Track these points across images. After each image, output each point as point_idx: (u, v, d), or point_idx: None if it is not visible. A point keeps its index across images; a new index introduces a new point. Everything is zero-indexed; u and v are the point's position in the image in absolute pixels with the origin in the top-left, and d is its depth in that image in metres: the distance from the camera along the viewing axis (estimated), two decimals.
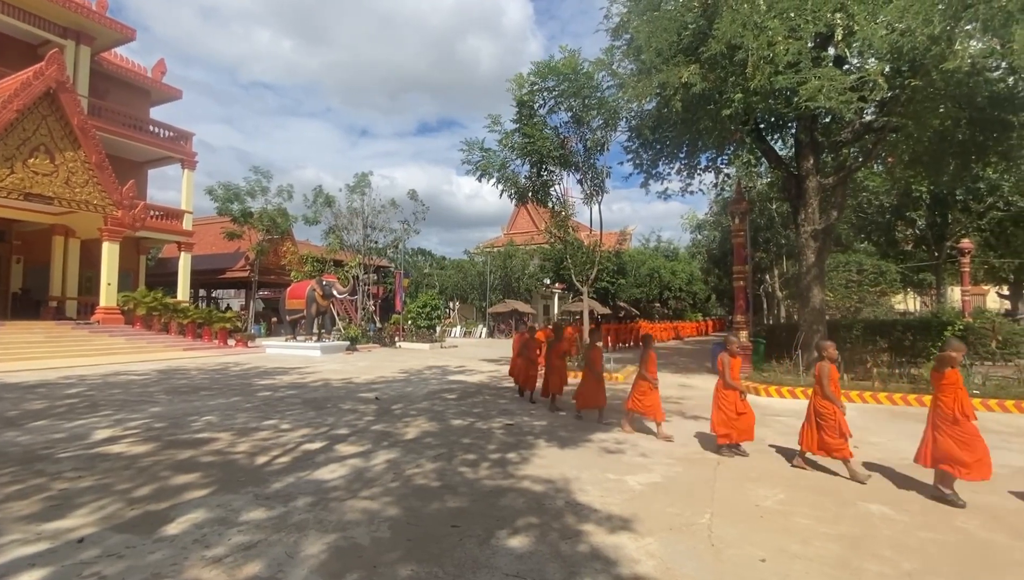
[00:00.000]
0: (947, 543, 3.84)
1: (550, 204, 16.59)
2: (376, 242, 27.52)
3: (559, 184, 16.35)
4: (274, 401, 9.30)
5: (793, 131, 13.54)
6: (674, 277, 38.31)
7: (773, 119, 13.52)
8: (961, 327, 13.86)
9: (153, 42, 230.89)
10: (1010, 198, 21.09)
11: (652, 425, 7.22)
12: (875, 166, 16.43)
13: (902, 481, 5.25)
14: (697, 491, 4.84)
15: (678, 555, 3.54)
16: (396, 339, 25.71)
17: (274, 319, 29.23)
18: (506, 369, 15.25)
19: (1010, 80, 10.49)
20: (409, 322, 26.84)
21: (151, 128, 24.37)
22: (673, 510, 4.35)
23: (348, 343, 21.30)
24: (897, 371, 11.55)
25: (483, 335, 34.47)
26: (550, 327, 12.48)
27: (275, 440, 6.46)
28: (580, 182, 16.37)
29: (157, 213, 24.28)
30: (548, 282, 35.97)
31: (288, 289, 23.26)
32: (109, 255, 19.78)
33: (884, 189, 21.48)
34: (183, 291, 24.60)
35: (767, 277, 29.45)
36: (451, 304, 38.68)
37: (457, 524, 3.98)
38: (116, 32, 22.22)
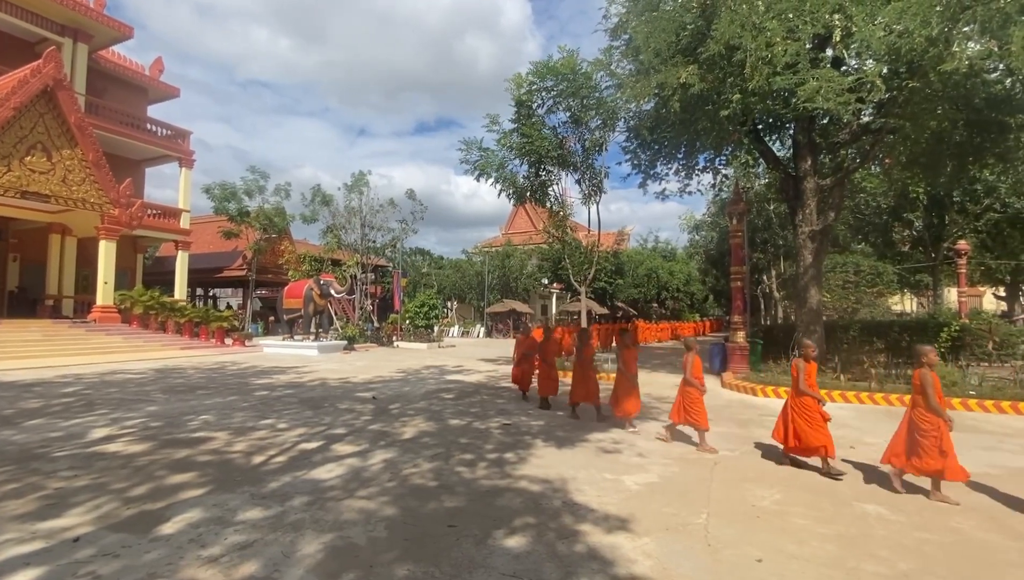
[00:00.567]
0: (943, 543, 3.85)
1: (548, 204, 16.61)
2: (374, 241, 27.51)
3: (557, 184, 16.39)
4: (271, 400, 9.28)
5: (791, 132, 13.58)
6: (672, 277, 38.37)
7: (771, 120, 13.55)
8: (958, 328, 13.91)
9: (150, 40, 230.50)
10: (1007, 200, 21.19)
11: (670, 428, 7.17)
12: (873, 167, 16.47)
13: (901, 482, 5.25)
14: (694, 491, 4.85)
15: (675, 555, 3.54)
16: (394, 339, 25.69)
17: (271, 318, 29.19)
18: (504, 369, 15.25)
19: (1007, 82, 10.53)
20: (407, 322, 26.83)
21: (148, 126, 24.29)
22: (670, 510, 4.35)
23: (345, 342, 21.28)
24: (894, 372, 11.59)
25: (481, 335, 34.46)
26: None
27: (272, 439, 6.44)
28: (578, 182, 16.40)
29: (154, 212, 24.21)
30: (546, 282, 35.99)
31: (286, 288, 23.23)
32: (106, 253, 19.72)
33: (881, 190, 21.53)
34: (180, 290, 24.54)
35: (765, 278, 29.50)
36: (449, 304, 38.66)
37: (454, 524, 3.97)
38: (114, 30, 22.14)
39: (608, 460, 5.83)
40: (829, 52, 10.21)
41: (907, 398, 9.64)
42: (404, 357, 18.85)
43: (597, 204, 16.49)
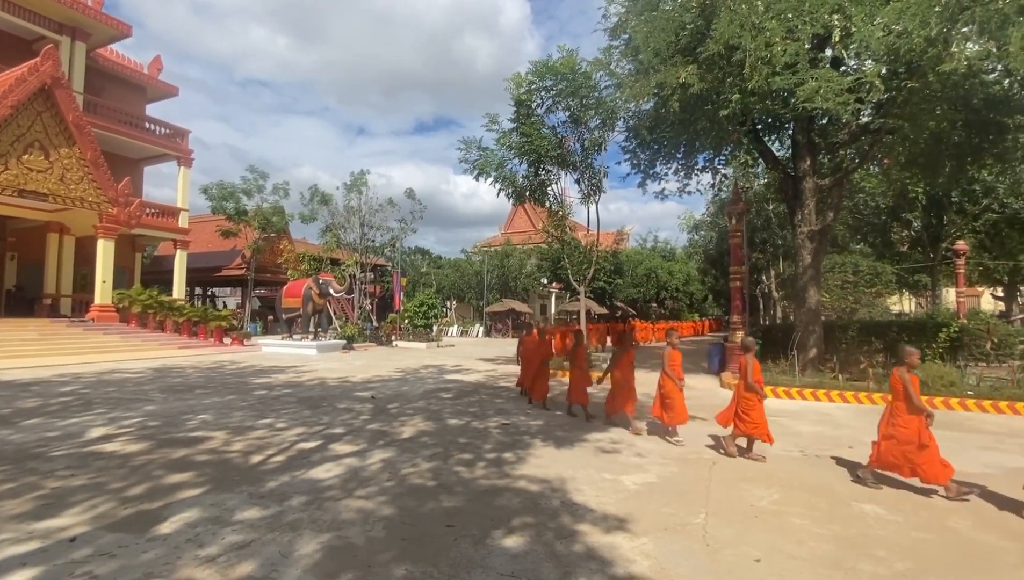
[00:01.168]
0: (940, 543, 3.85)
1: (548, 204, 16.59)
2: (373, 241, 27.49)
3: (556, 184, 16.36)
4: (269, 400, 9.27)
5: (790, 132, 13.58)
6: (671, 277, 38.38)
7: (770, 120, 13.56)
8: (956, 329, 13.91)
9: (147, 38, 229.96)
10: (1005, 200, 21.22)
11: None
12: (871, 167, 16.48)
13: (896, 481, 5.26)
14: (692, 491, 4.84)
15: (673, 555, 3.54)
16: (393, 338, 25.67)
17: (270, 317, 29.16)
18: (503, 369, 15.26)
19: (1006, 82, 10.54)
20: (406, 321, 26.81)
21: (147, 125, 24.25)
22: (668, 510, 4.35)
23: (344, 342, 21.27)
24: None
25: (480, 334, 34.46)
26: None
27: (270, 439, 6.44)
28: (578, 182, 16.37)
29: (153, 210, 24.16)
30: (545, 282, 35.99)
31: (284, 287, 23.21)
32: (104, 252, 19.69)
33: (880, 190, 21.54)
34: (179, 289, 24.51)
35: (764, 278, 29.52)
36: (448, 303, 38.65)
37: (452, 524, 3.97)
38: (112, 28, 22.10)
39: (607, 460, 5.83)
40: (828, 52, 10.22)
41: None
42: (403, 356, 18.84)
43: (596, 204, 16.46)
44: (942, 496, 4.82)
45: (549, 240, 18.45)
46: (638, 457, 5.96)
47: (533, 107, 14.99)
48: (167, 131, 24.85)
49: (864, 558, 3.56)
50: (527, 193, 16.09)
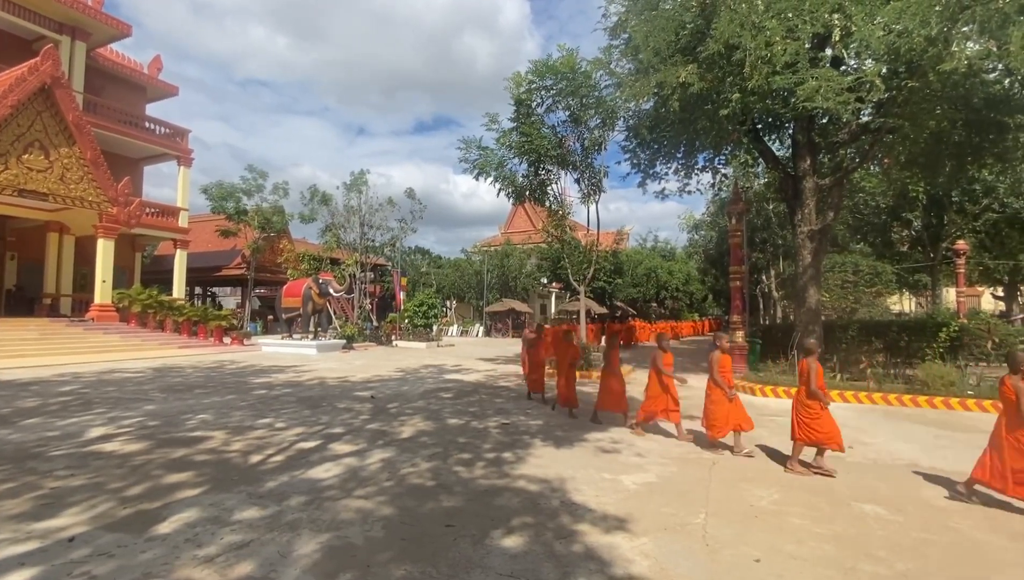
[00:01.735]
0: (941, 543, 3.84)
1: (547, 203, 16.58)
2: (373, 241, 27.48)
3: (556, 183, 16.35)
4: (269, 399, 9.27)
5: (790, 132, 13.56)
6: (671, 277, 38.35)
7: (770, 119, 13.54)
8: (956, 328, 13.91)
9: (145, 37, 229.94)
10: (1005, 200, 21.19)
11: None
12: (872, 167, 16.46)
13: (896, 481, 5.25)
14: (692, 491, 4.84)
15: (673, 555, 3.53)
16: (393, 338, 25.66)
17: (270, 317, 29.16)
18: (503, 368, 15.25)
19: (1006, 82, 10.53)
20: (406, 321, 26.81)
21: (147, 125, 24.23)
22: (668, 510, 4.35)
23: (344, 342, 21.26)
24: (892, 372, 11.59)
25: (480, 334, 34.45)
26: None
27: (269, 439, 6.43)
28: (577, 181, 16.37)
29: (153, 210, 24.14)
30: (545, 281, 35.98)
31: (284, 287, 23.20)
32: (104, 252, 19.67)
33: (880, 190, 21.52)
34: (179, 289, 24.50)
35: (764, 277, 29.51)
36: (448, 303, 38.64)
37: (452, 524, 3.96)
38: (112, 28, 22.08)
39: (606, 460, 5.83)
40: (828, 52, 10.20)
41: (906, 398, 9.70)
42: (403, 356, 18.83)
43: (596, 203, 16.46)
44: None
45: (549, 240, 18.44)
46: (638, 457, 5.96)
47: (533, 106, 14.98)
48: (167, 131, 24.84)
49: (865, 558, 3.55)
50: (527, 193, 16.09)
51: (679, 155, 14.67)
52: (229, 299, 41.17)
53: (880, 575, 3.34)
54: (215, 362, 15.40)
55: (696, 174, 15.50)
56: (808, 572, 3.36)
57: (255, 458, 5.60)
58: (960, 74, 8.82)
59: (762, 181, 23.62)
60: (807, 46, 9.39)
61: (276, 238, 28.20)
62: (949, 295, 30.37)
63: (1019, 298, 31.43)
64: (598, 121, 14.85)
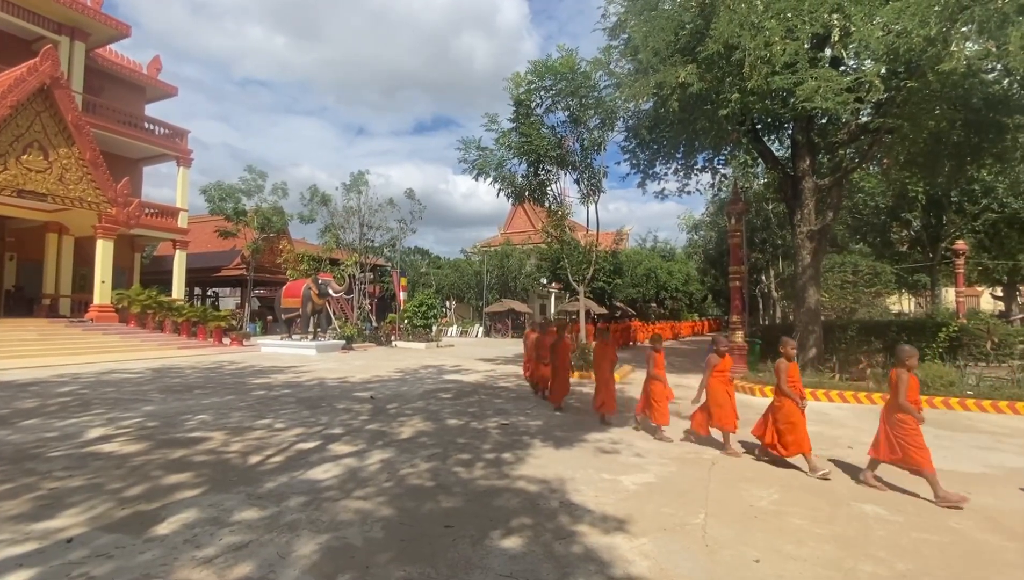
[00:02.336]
0: (941, 544, 3.84)
1: (547, 204, 16.59)
2: (372, 241, 27.47)
3: (556, 184, 16.36)
4: (268, 400, 9.26)
5: (790, 132, 13.58)
6: (670, 277, 38.36)
7: (770, 120, 13.55)
8: (956, 329, 13.92)
9: (143, 37, 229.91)
10: (1004, 200, 21.22)
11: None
12: (871, 167, 16.48)
13: (896, 482, 5.25)
14: (691, 491, 4.83)
15: (672, 555, 3.52)
16: (392, 338, 25.66)
17: (270, 318, 29.14)
18: (502, 369, 15.24)
19: (1005, 82, 10.54)
20: (405, 321, 26.81)
21: (146, 125, 24.23)
22: (667, 510, 4.34)
23: (344, 342, 21.25)
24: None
25: (480, 335, 34.45)
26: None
27: (269, 439, 6.42)
28: (577, 182, 16.38)
29: (152, 211, 24.13)
30: (545, 282, 35.98)
31: (284, 288, 23.18)
32: (103, 253, 19.66)
33: (880, 190, 21.56)
34: (178, 289, 24.48)
35: (763, 278, 29.54)
36: (448, 303, 38.63)
37: (451, 524, 3.96)
38: (111, 28, 22.08)
39: (606, 460, 5.82)
40: (828, 52, 10.22)
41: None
42: (402, 357, 18.82)
43: (596, 204, 16.47)
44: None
45: (548, 240, 18.44)
46: (637, 457, 5.95)
47: (532, 107, 14.99)
48: (166, 131, 24.83)
49: (864, 558, 3.55)
50: (526, 193, 16.09)
51: (678, 155, 14.69)
52: (228, 300, 41.15)
53: (880, 575, 3.34)
54: (214, 363, 15.39)
55: (695, 174, 15.55)
56: (808, 572, 3.35)
57: (254, 459, 5.59)
58: (959, 74, 8.83)
59: (761, 181, 23.66)
60: (806, 46, 9.40)
61: (275, 239, 28.19)
62: (948, 295, 30.40)
63: (1018, 298, 31.46)
64: (597, 121, 14.87)
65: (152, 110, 26.76)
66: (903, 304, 37.84)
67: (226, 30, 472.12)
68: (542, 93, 14.83)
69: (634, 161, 14.98)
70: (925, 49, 8.32)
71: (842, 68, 10.52)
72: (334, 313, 24.76)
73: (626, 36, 11.83)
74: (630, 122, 14.39)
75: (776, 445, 5.55)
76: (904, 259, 26.91)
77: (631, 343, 25.19)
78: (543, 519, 4.09)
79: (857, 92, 8.86)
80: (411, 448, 6.16)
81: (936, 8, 7.98)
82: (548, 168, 15.75)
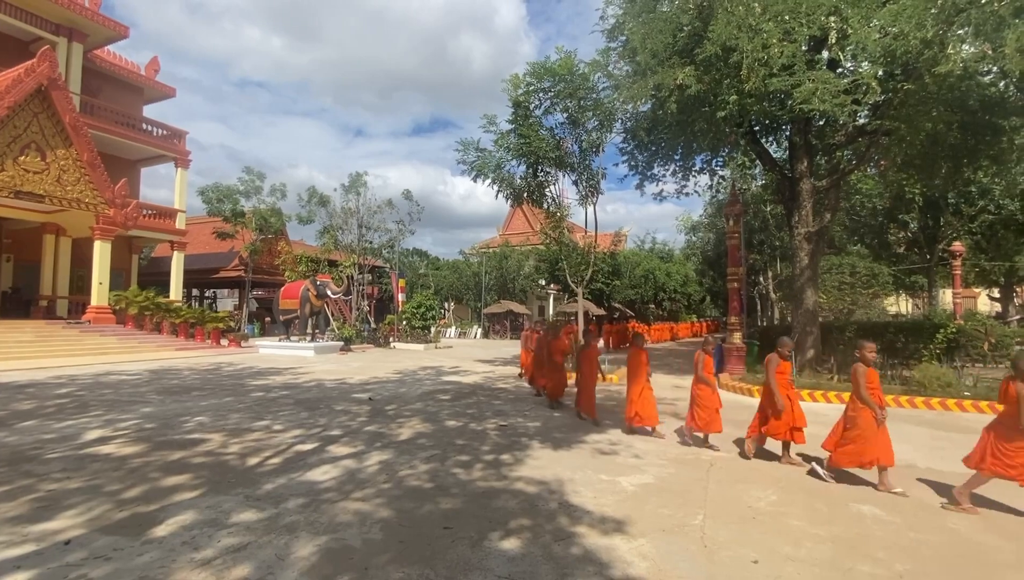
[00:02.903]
0: (938, 544, 3.85)
1: (545, 205, 16.59)
2: (371, 242, 27.46)
3: (554, 185, 16.36)
4: (267, 402, 9.24)
5: (787, 134, 13.62)
6: (669, 278, 38.39)
7: (767, 121, 13.59)
8: (954, 330, 13.95)
9: (140, 37, 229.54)
10: (1001, 202, 21.29)
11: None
12: (868, 169, 16.53)
13: (893, 482, 5.26)
14: (690, 492, 4.84)
15: (671, 556, 3.53)
16: (391, 339, 25.63)
17: (268, 319, 29.09)
18: (501, 370, 15.24)
19: (1001, 84, 10.59)
20: (404, 322, 26.79)
21: (144, 126, 24.20)
22: (666, 511, 4.35)
23: (342, 343, 21.22)
24: (889, 373, 11.63)
25: (478, 336, 34.43)
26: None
27: (267, 441, 6.41)
28: (575, 183, 16.37)
29: (150, 212, 24.10)
30: (543, 283, 35.98)
31: (282, 289, 23.14)
32: (101, 254, 19.61)
33: (877, 192, 21.62)
34: (176, 290, 24.43)
35: (761, 279, 29.59)
36: (446, 304, 38.61)
37: (449, 526, 3.96)
38: (109, 29, 22.06)
39: (604, 461, 5.83)
40: (825, 54, 10.25)
41: (903, 398, 9.73)
42: (401, 358, 18.81)
43: (594, 205, 16.44)
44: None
45: (547, 241, 18.43)
46: (636, 458, 5.96)
47: (531, 108, 14.98)
48: (164, 132, 24.80)
49: (862, 559, 3.56)
50: (525, 194, 16.08)
51: (676, 157, 14.72)
52: (226, 301, 41.07)
53: (877, 576, 3.35)
54: (212, 364, 15.36)
55: (693, 176, 15.58)
56: (806, 573, 3.36)
57: (252, 460, 5.58)
58: (956, 76, 8.88)
59: (759, 183, 23.71)
60: (804, 49, 9.44)
61: (274, 240, 28.16)
62: (945, 296, 30.47)
63: (1015, 299, 31.57)
64: (596, 123, 14.87)
65: (150, 111, 26.78)
66: (900, 305, 37.94)
67: (223, 31, 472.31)
68: (541, 95, 14.83)
69: (632, 162, 15.01)
70: (922, 51, 8.35)
71: (839, 70, 10.55)
72: (332, 314, 24.72)
73: (624, 38, 11.86)
74: (628, 124, 14.42)
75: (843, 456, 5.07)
76: (901, 260, 26.99)
77: (627, 345, 25.19)
78: (542, 520, 4.09)
79: (854, 94, 8.89)
80: (410, 449, 6.15)
81: (932, 11, 8.01)
82: (546, 169, 15.75)
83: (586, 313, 24.65)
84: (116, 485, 4.71)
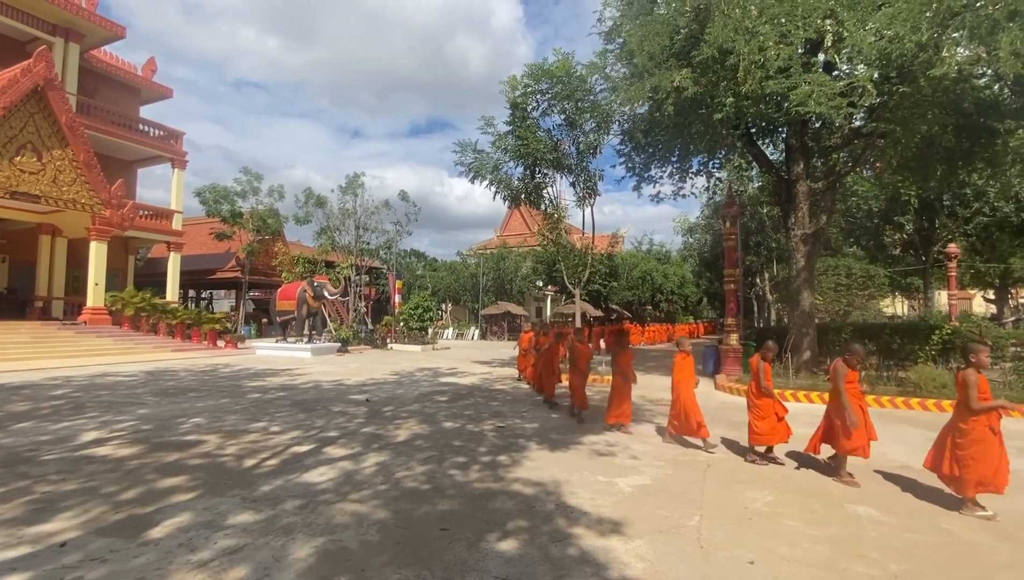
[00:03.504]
0: (933, 545, 3.87)
1: (543, 206, 16.62)
2: (368, 243, 27.43)
3: (552, 186, 16.39)
4: (263, 403, 9.22)
5: (784, 136, 13.67)
6: (666, 280, 38.48)
7: (764, 124, 13.65)
8: (949, 331, 14.02)
9: (136, 38, 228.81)
10: (995, 204, 21.43)
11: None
12: (864, 171, 16.62)
13: (889, 483, 5.29)
14: (687, 493, 4.85)
15: (668, 557, 3.54)
16: (388, 341, 25.61)
17: (264, 320, 29.02)
18: (499, 371, 15.24)
19: (996, 87, 10.67)
20: (401, 324, 26.76)
21: (141, 127, 24.13)
22: (663, 512, 4.36)
23: (339, 344, 21.19)
24: (885, 374, 11.68)
25: (475, 337, 34.42)
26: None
27: (264, 442, 6.40)
28: (573, 185, 16.42)
29: (146, 212, 24.03)
30: (541, 284, 36.02)
31: (279, 290, 23.10)
32: (97, 255, 19.54)
33: (873, 194, 21.74)
34: (172, 292, 24.35)
35: (758, 280, 29.69)
36: (443, 306, 38.59)
37: (447, 527, 3.96)
38: (106, 30, 22.00)
39: (602, 462, 5.83)
40: (821, 57, 10.29)
41: (898, 399, 9.77)
42: (398, 359, 18.78)
43: (591, 206, 16.51)
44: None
45: (544, 243, 18.45)
46: (633, 459, 5.97)
47: (528, 110, 15.02)
48: (161, 133, 24.74)
49: (858, 560, 3.58)
50: (522, 196, 16.12)
51: (673, 159, 14.77)
52: (223, 302, 40.96)
53: (873, 576, 3.36)
54: (209, 365, 15.31)
55: (690, 178, 15.62)
56: (802, 574, 3.38)
57: (249, 462, 5.57)
58: (950, 79, 8.94)
59: (756, 185, 23.79)
60: (800, 51, 9.48)
61: (271, 241, 28.10)
62: (941, 298, 30.63)
63: (1010, 301, 31.73)
64: (593, 125, 14.93)
65: (147, 112, 26.69)
66: (896, 307, 38.10)
67: (219, 32, 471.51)
68: (538, 96, 14.87)
69: (629, 164, 15.05)
70: (917, 54, 8.41)
71: (835, 73, 10.61)
72: (329, 315, 24.67)
73: (621, 40, 11.90)
74: (625, 125, 14.47)
75: (958, 479, 4.55)
76: (897, 262, 27.12)
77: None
78: (539, 522, 4.10)
79: (850, 97, 8.93)
80: (407, 451, 6.15)
81: (928, 14, 8.06)
82: (544, 171, 15.79)
83: (583, 314, 24.67)
84: (112, 487, 4.70)
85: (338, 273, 25.58)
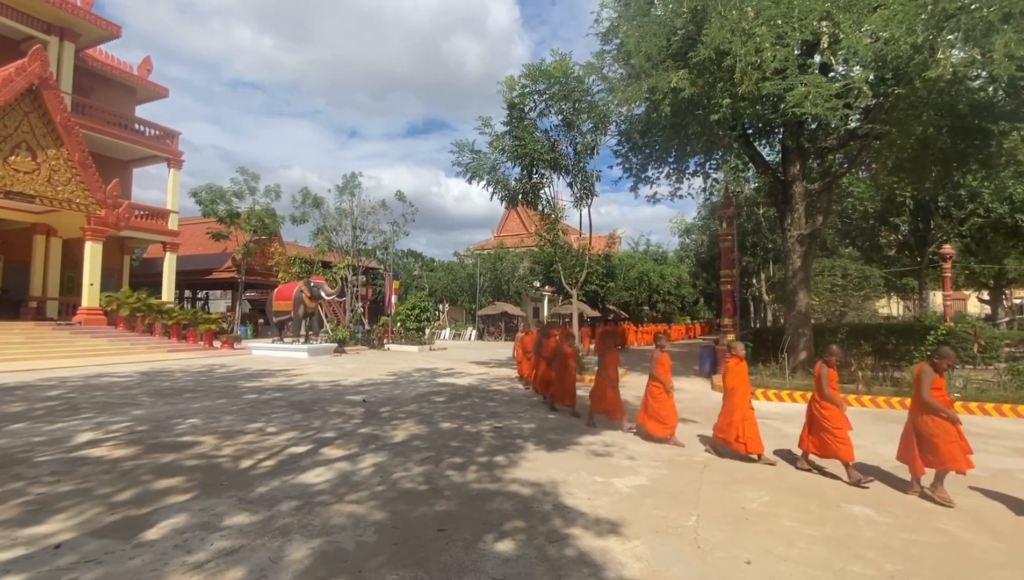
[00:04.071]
0: (929, 544, 3.89)
1: (540, 207, 16.62)
2: (365, 243, 27.38)
3: (549, 187, 16.40)
4: (260, 404, 9.19)
5: (780, 137, 13.72)
6: (663, 280, 38.56)
7: (760, 125, 13.70)
8: (944, 332, 14.10)
9: (131, 37, 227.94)
10: (990, 205, 21.54)
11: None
12: (860, 172, 16.68)
13: (885, 483, 5.31)
14: (683, 493, 4.86)
15: (665, 558, 3.54)
16: (385, 341, 25.57)
17: (261, 320, 28.93)
18: (496, 372, 15.24)
19: (990, 89, 10.73)
20: (398, 324, 26.72)
21: (136, 126, 24.02)
22: (660, 513, 4.36)
23: (336, 345, 21.14)
24: (881, 374, 11.73)
25: (472, 337, 34.40)
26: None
27: (260, 443, 6.38)
28: (570, 185, 16.42)
29: (142, 212, 23.92)
30: (538, 285, 36.03)
31: (275, 290, 23.03)
32: (92, 255, 19.44)
33: (868, 195, 21.81)
34: (168, 292, 24.26)
35: (754, 281, 29.77)
36: (440, 306, 38.56)
37: (444, 528, 3.95)
38: (101, 29, 21.89)
39: (599, 463, 5.84)
40: (817, 58, 10.34)
41: (894, 400, 9.81)
42: (395, 359, 18.76)
43: (588, 207, 16.52)
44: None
45: (542, 243, 18.46)
46: (630, 460, 5.98)
47: (526, 110, 15.02)
48: (156, 133, 24.64)
49: (854, 559, 3.59)
50: (520, 196, 16.12)
51: (670, 159, 14.79)
52: (219, 302, 40.81)
53: (869, 576, 3.38)
54: (205, 366, 15.25)
55: (687, 178, 15.66)
56: (798, 573, 3.39)
57: (245, 463, 5.55)
58: (945, 81, 8.98)
59: (752, 186, 23.85)
60: (796, 53, 9.52)
61: (267, 241, 28.02)
62: (936, 298, 30.78)
63: (1004, 301, 31.92)
64: (590, 125, 14.93)
65: (142, 111, 26.55)
66: (891, 307, 38.26)
67: (214, 31, 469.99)
68: (535, 97, 14.87)
69: (626, 165, 15.07)
70: (912, 56, 8.45)
71: (831, 74, 10.65)
72: (326, 316, 24.61)
73: (619, 41, 11.92)
74: (623, 126, 14.48)
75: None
76: (892, 263, 27.25)
77: (623, 346, 25.25)
78: (536, 522, 4.10)
79: (846, 98, 8.97)
80: (404, 452, 6.14)
81: (923, 16, 8.11)
82: (541, 171, 15.79)
83: (581, 315, 24.69)
84: (107, 488, 4.67)
85: (335, 273, 25.53)
